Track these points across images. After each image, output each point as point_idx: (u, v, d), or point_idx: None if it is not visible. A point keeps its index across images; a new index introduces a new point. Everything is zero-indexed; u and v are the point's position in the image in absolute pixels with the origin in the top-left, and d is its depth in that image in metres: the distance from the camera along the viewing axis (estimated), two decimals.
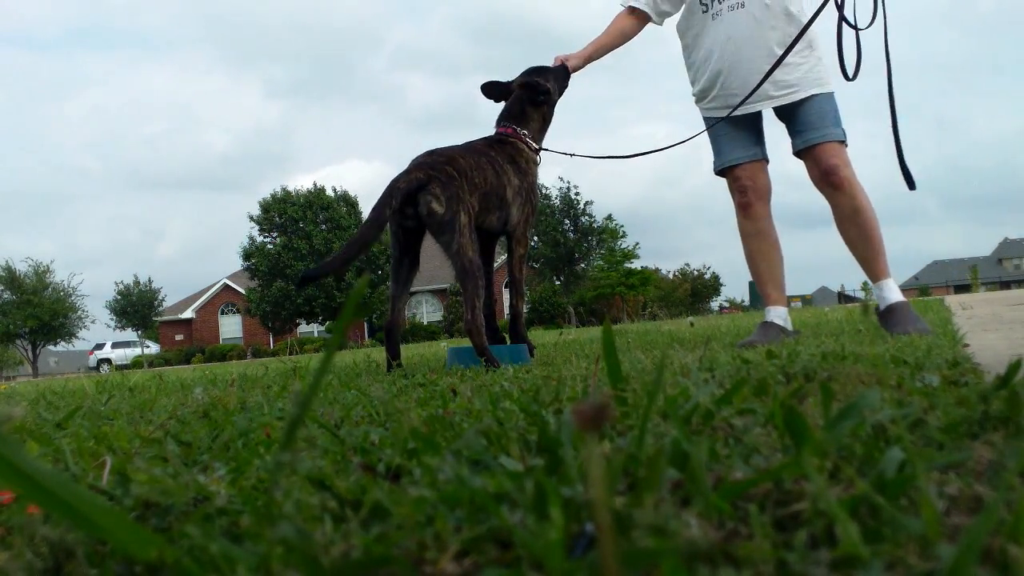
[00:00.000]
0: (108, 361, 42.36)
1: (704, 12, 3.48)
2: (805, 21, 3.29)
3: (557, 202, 35.81)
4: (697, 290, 44.40)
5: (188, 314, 44.94)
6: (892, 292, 3.27)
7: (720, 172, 3.57)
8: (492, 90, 3.68)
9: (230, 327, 44.75)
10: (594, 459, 0.48)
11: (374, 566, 0.56)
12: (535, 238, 34.79)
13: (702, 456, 0.68)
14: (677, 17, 3.70)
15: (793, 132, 3.39)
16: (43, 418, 1.86)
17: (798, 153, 3.38)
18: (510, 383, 1.89)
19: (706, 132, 3.59)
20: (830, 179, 3.27)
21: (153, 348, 44.12)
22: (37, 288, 41.43)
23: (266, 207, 34.70)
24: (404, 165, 3.15)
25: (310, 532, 0.63)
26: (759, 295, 3.67)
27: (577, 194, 35.91)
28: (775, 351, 2.00)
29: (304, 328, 39.88)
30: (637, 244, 39.32)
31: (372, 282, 33.38)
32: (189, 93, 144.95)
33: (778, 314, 3.46)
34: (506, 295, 3.95)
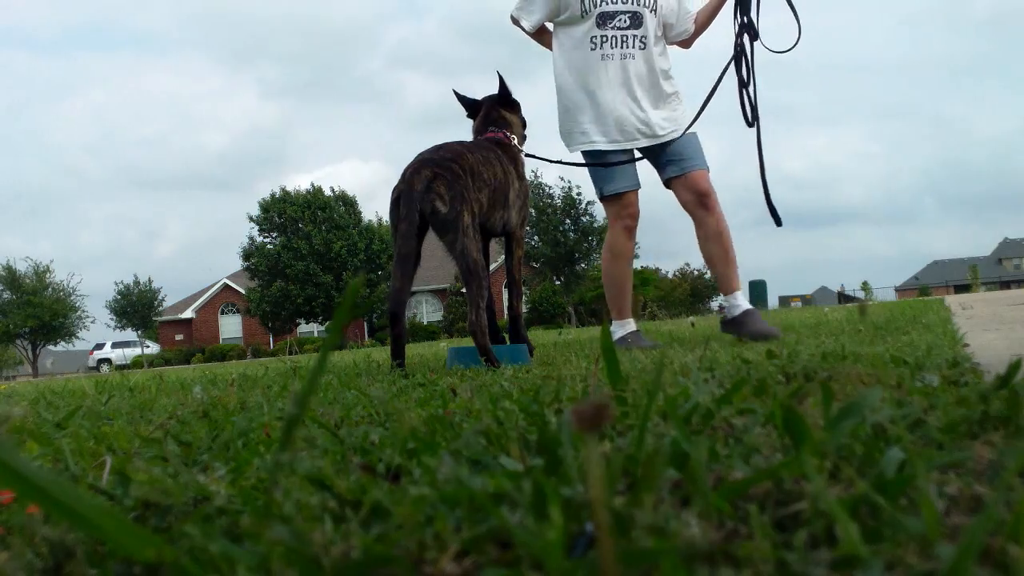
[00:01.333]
0: (108, 361, 42.37)
1: (593, 50, 3.72)
2: (675, 80, 3.84)
3: (558, 202, 35.77)
4: (697, 290, 44.39)
5: (188, 314, 44.94)
6: (743, 302, 3.72)
7: (609, 197, 3.83)
8: (463, 101, 3.76)
9: (230, 327, 44.75)
10: (594, 459, 0.48)
11: (374, 566, 0.56)
12: (535, 237, 34.77)
13: (702, 456, 0.68)
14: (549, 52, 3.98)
15: (666, 163, 3.80)
16: (43, 418, 1.85)
17: (672, 179, 3.80)
18: (510, 383, 1.89)
19: (585, 161, 3.90)
20: (704, 202, 3.74)
21: (153, 348, 44.12)
22: (37, 288, 41.40)
23: (265, 207, 34.74)
24: (403, 165, 3.13)
25: (306, 534, 0.63)
26: (611, 309, 4.04)
27: (579, 194, 35.91)
28: (775, 351, 1.99)
29: (304, 328, 39.89)
30: (637, 244, 39.23)
31: (371, 281, 33.37)
32: (187, 93, 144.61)
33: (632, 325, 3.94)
34: (505, 296, 3.98)
